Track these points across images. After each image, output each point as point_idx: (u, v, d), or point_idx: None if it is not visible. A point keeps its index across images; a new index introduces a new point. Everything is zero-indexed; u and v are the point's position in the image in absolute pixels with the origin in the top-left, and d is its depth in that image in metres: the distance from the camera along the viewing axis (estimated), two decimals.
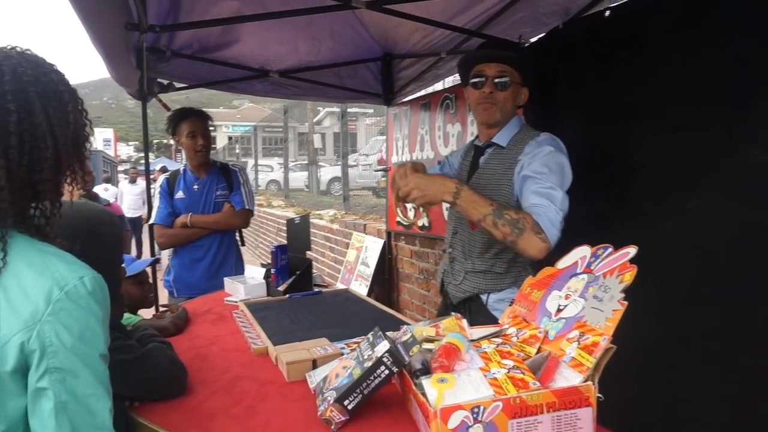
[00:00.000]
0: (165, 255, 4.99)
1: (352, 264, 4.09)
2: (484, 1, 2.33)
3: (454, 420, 0.85)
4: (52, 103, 0.81)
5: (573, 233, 1.35)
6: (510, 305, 1.53)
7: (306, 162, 12.91)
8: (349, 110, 7.30)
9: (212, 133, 2.95)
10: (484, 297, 1.68)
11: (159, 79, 3.01)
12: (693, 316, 1.41)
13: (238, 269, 2.84)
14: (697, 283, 1.42)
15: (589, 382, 0.90)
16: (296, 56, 3.09)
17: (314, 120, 14.12)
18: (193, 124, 2.76)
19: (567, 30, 2.04)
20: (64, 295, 0.75)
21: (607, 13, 1.80)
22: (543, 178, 1.50)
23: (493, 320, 1.56)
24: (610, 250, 1.06)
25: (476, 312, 1.68)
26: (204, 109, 2.94)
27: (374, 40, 3.17)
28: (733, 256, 1.35)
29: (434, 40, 2.83)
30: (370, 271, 3.69)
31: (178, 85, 3.11)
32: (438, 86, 3.44)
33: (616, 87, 1.75)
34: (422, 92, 3.52)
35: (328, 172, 12.57)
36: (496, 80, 1.65)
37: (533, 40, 2.31)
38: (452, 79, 3.34)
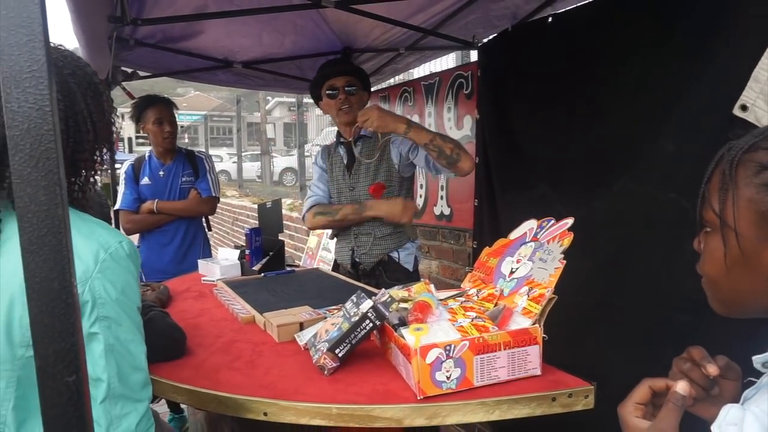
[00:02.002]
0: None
1: (313, 250, 4.24)
2: (440, 3, 2.52)
3: (431, 356, 1.05)
4: (89, 93, 0.94)
5: (523, 211, 1.57)
6: (415, 258, 2.21)
7: (257, 152, 12.84)
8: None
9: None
10: (395, 255, 2.17)
11: (123, 68, 3.04)
12: (617, 277, 1.69)
13: (206, 253, 2.94)
14: (621, 250, 1.69)
15: (536, 325, 1.12)
16: (260, 48, 3.19)
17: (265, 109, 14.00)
18: (160, 110, 2.84)
19: (515, 32, 2.27)
20: (109, 256, 0.89)
21: (550, 19, 2.05)
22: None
23: (407, 273, 2.15)
24: (552, 221, 1.29)
25: (391, 269, 2.15)
26: None
27: (335, 35, 3.31)
28: (649, 229, 1.61)
29: (393, 36, 3.00)
30: (331, 256, 3.84)
31: (141, 73, 3.15)
32: (397, 79, 3.63)
33: (556, 85, 1.99)
34: (382, 85, 3.70)
35: (281, 162, 12.56)
36: (347, 88, 2.15)
37: (485, 40, 2.53)
38: (411, 73, 3.53)
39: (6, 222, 0.86)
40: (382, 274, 2.16)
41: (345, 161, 2.24)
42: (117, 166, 3.40)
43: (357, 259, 2.22)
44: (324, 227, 2.27)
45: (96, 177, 0.98)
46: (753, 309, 0.71)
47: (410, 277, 2.18)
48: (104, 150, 1.00)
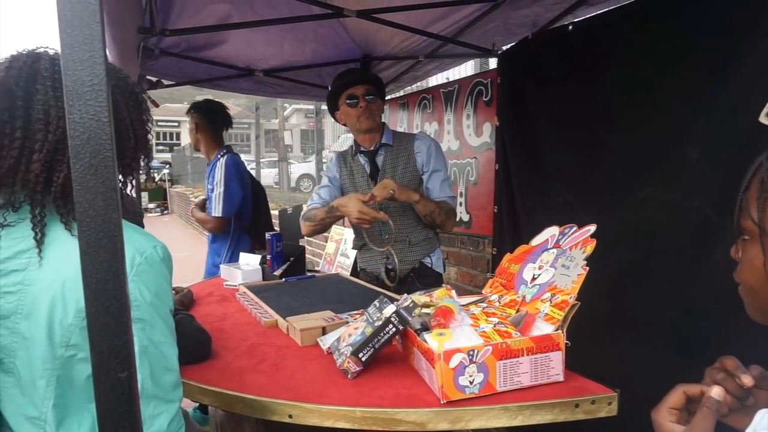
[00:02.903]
0: None
1: (331, 256, 4.27)
2: (459, 11, 2.54)
3: (454, 361, 1.06)
4: (130, 103, 0.97)
5: (545, 219, 1.57)
6: (443, 261, 2.26)
7: (275, 159, 12.96)
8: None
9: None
10: (427, 260, 2.22)
11: (148, 77, 3.12)
12: (641, 284, 1.68)
13: (234, 259, 2.97)
14: (644, 258, 1.68)
15: (559, 331, 1.13)
16: (281, 56, 3.24)
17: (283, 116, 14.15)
18: (189, 118, 2.95)
19: (536, 40, 2.28)
20: (144, 260, 0.91)
21: (570, 27, 2.05)
22: (443, 172, 2.19)
23: (438, 277, 2.21)
24: (574, 228, 1.29)
25: (423, 275, 2.19)
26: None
27: (355, 43, 3.35)
28: (673, 237, 1.61)
29: (413, 44, 3.03)
30: (350, 262, 3.87)
31: (166, 82, 3.22)
32: (415, 87, 3.66)
33: (577, 92, 1.99)
34: (400, 93, 3.72)
35: (298, 168, 12.67)
36: (367, 97, 2.17)
37: (505, 47, 2.55)
38: (429, 81, 3.56)
39: (50, 226, 0.89)
40: (415, 281, 2.17)
41: (368, 170, 2.24)
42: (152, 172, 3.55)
43: (390, 267, 2.21)
44: (312, 233, 2.24)
45: (133, 183, 1.02)
46: None
47: (440, 280, 2.23)
48: (142, 157, 1.03)
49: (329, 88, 3.63)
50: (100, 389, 0.44)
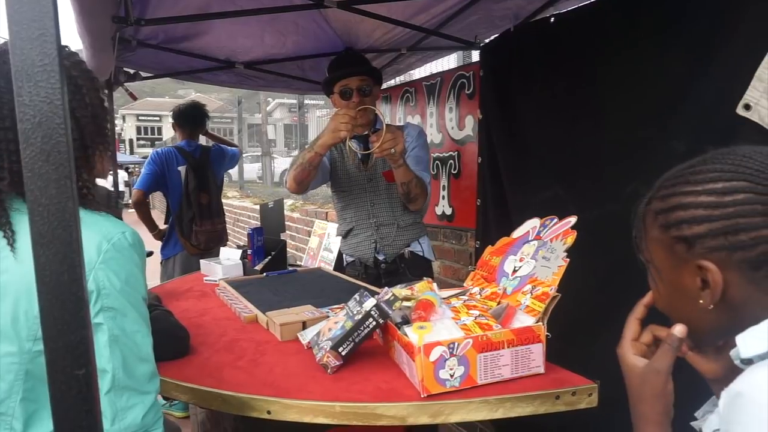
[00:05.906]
0: None
1: (314, 250, 4.23)
2: (441, 3, 2.52)
3: (434, 354, 1.05)
4: (71, 88, 0.93)
5: (535, 213, 1.56)
6: (432, 249, 2.27)
7: (258, 153, 12.85)
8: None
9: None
10: (417, 248, 2.19)
11: (125, 69, 3.05)
12: (628, 278, 1.67)
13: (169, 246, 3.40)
14: (632, 251, 1.68)
15: (540, 323, 1.12)
16: (262, 49, 3.19)
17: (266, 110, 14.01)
18: None
19: (518, 32, 2.27)
20: (112, 246, 0.88)
21: (552, 19, 2.05)
22: (422, 154, 2.19)
23: (429, 264, 2.21)
24: (555, 220, 1.29)
25: (414, 265, 2.16)
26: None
27: (337, 35, 3.31)
28: None
29: (395, 36, 3.00)
30: (333, 256, 3.84)
31: (144, 74, 3.15)
32: (398, 80, 3.63)
33: (561, 85, 1.99)
34: (383, 86, 3.69)
35: (281, 163, 12.56)
36: (362, 89, 2.11)
37: (487, 40, 2.54)
38: (412, 74, 3.54)
39: (18, 218, 0.87)
40: (406, 272, 2.14)
41: (359, 154, 2.21)
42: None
43: (379, 253, 2.18)
44: (295, 180, 2.11)
45: (95, 176, 1.00)
46: (707, 331, 0.74)
47: (430, 269, 2.22)
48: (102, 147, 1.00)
49: (313, 80, 3.61)
50: (55, 388, 0.42)
